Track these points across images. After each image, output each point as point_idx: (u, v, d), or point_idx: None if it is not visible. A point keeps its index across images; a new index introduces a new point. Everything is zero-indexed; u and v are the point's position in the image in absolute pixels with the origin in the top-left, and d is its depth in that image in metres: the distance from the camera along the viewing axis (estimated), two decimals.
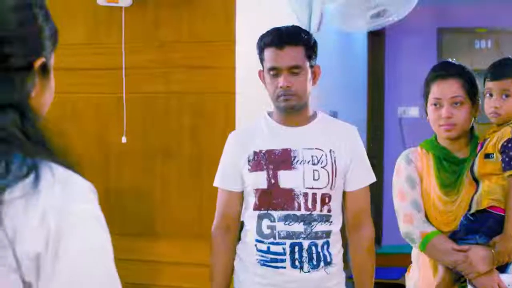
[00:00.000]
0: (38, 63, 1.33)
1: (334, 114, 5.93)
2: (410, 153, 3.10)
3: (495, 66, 3.03)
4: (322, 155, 2.96)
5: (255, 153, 2.99)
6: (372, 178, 3.10)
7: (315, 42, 3.02)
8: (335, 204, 2.99)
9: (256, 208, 2.98)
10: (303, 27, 3.07)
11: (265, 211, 2.95)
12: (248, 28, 4.00)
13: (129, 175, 4.13)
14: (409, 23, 8.10)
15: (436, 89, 3.00)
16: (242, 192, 3.06)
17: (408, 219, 3.00)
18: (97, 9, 4.06)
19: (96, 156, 4.17)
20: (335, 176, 2.96)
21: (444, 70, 3.04)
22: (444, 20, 8.46)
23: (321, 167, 2.95)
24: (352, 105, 7.20)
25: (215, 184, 3.13)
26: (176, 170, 4.04)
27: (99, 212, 1.29)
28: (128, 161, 4.13)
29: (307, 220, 2.92)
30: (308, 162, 2.94)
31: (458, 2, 8.15)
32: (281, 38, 2.95)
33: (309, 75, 2.97)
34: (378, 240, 7.27)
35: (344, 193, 3.05)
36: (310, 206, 2.92)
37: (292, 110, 2.97)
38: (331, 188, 2.96)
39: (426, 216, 3.01)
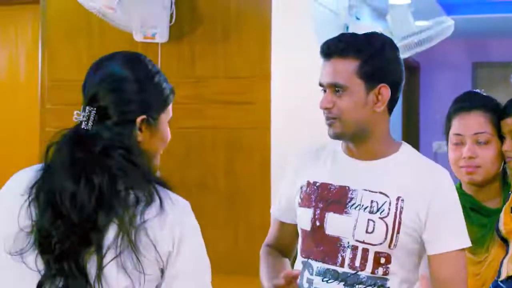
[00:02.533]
0: (138, 119, 1.85)
1: None
2: None
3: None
4: (384, 202, 2.24)
5: (308, 183, 2.36)
6: (463, 243, 2.25)
7: (382, 55, 2.27)
8: (399, 268, 2.25)
9: (301, 253, 2.37)
10: None
11: (306, 259, 2.33)
12: (284, 64, 4.03)
13: None
14: (444, 58, 8.12)
15: (458, 124, 2.50)
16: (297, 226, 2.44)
17: (426, 283, 2.40)
18: (134, 45, 4.11)
19: None
20: (397, 233, 2.22)
21: (467, 101, 2.52)
22: (479, 54, 8.45)
23: (379, 217, 2.22)
24: None
25: (271, 210, 2.56)
26: (212, 204, 4.05)
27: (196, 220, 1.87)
28: None
29: (349, 280, 2.24)
30: (365, 208, 2.25)
31: (493, 36, 8.14)
32: (329, 46, 2.27)
33: (362, 98, 2.24)
34: None
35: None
36: (357, 264, 2.23)
37: (343, 140, 2.34)
38: (390, 246, 2.22)
39: None
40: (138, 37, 4.00)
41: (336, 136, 2.29)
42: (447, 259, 2.23)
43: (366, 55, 2.24)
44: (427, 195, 2.22)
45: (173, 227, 1.79)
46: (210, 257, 4.32)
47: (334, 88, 2.24)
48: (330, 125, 2.27)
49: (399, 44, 4.86)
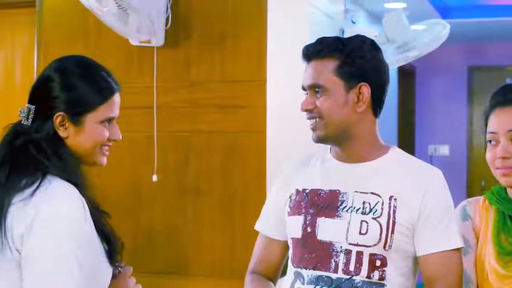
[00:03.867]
0: (55, 116, 1.99)
1: None
2: (468, 205, 2.35)
3: None
4: (377, 202, 2.20)
5: (297, 191, 2.34)
6: (453, 243, 2.21)
7: (361, 54, 2.24)
8: (395, 272, 2.20)
9: (292, 263, 2.31)
10: None
11: (297, 269, 2.27)
12: (279, 68, 4.03)
13: (160, 213, 4.14)
14: (439, 62, 8.13)
15: (493, 121, 2.24)
16: (286, 242, 2.40)
17: None
18: (130, 49, 4.11)
19: (127, 193, 4.19)
20: (392, 232, 2.18)
21: (502, 96, 2.26)
22: (475, 58, 8.48)
23: (373, 218, 2.19)
24: None
25: (255, 227, 2.52)
26: (208, 208, 4.05)
27: (75, 213, 1.88)
28: (159, 199, 4.15)
29: (344, 286, 2.17)
30: (357, 210, 2.21)
31: (489, 40, 8.16)
32: (308, 49, 2.30)
33: (342, 97, 2.23)
34: None
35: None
36: (351, 268, 2.18)
37: (327, 143, 2.32)
38: (384, 247, 2.18)
39: None
40: (133, 41, 4.00)
41: (319, 139, 2.27)
42: (437, 259, 2.20)
43: (344, 55, 2.23)
44: (419, 195, 2.20)
45: (28, 210, 1.87)
46: (207, 261, 4.32)
47: (314, 89, 2.25)
48: (313, 128, 2.26)
49: (396, 56, 4.87)
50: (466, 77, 8.52)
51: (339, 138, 2.27)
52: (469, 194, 8.07)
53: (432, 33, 5.02)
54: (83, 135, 2.02)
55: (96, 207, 2.03)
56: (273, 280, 2.46)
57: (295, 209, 2.31)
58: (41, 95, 2.02)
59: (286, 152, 3.92)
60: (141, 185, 4.17)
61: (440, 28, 5.05)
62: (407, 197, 2.20)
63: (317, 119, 2.25)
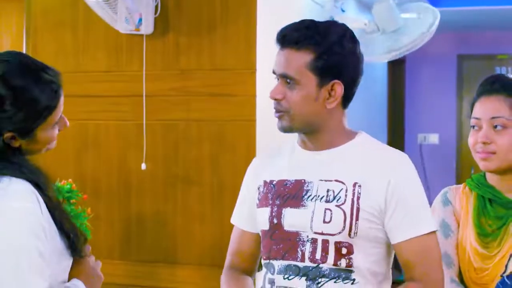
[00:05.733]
0: (5, 135, 1.96)
1: None
2: (449, 192, 2.45)
3: None
4: (341, 189, 2.16)
5: (265, 183, 2.30)
6: (426, 227, 2.16)
7: (338, 50, 2.17)
8: (363, 260, 2.17)
9: (263, 255, 2.30)
10: None
11: (268, 261, 2.25)
12: (269, 56, 4.01)
13: (149, 202, 4.14)
14: (429, 51, 8.12)
15: (478, 108, 2.35)
16: (259, 234, 2.36)
17: None
18: (119, 37, 4.10)
19: (116, 182, 4.19)
20: (356, 219, 2.14)
21: (489, 84, 2.36)
22: (464, 47, 8.48)
23: (336, 205, 2.15)
24: (372, 132, 7.17)
25: (231, 220, 2.50)
26: (197, 197, 4.05)
27: (29, 206, 1.89)
28: (148, 188, 4.14)
29: (311, 275, 2.15)
30: (321, 198, 2.17)
31: (478, 28, 8.16)
32: (284, 36, 2.20)
33: (313, 93, 2.16)
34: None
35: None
36: (318, 256, 2.15)
37: (292, 132, 2.26)
38: (349, 235, 2.14)
39: (461, 274, 2.36)
40: (122, 29, 3.99)
41: (284, 130, 2.22)
42: (411, 246, 2.15)
43: (321, 49, 2.14)
44: (384, 180, 2.15)
45: None
46: (196, 249, 4.32)
47: (286, 79, 2.17)
48: (279, 118, 2.20)
49: (387, 44, 4.86)
50: (455, 65, 8.52)
51: (305, 130, 2.23)
52: (459, 182, 8.02)
53: (422, 20, 5.01)
54: (36, 143, 2.04)
55: (56, 205, 2.01)
56: (251, 273, 2.44)
57: (263, 201, 2.28)
58: None
59: (275, 141, 3.91)
60: (130, 174, 4.17)
61: (430, 15, 5.04)
62: (372, 183, 2.15)
63: (284, 110, 2.19)
